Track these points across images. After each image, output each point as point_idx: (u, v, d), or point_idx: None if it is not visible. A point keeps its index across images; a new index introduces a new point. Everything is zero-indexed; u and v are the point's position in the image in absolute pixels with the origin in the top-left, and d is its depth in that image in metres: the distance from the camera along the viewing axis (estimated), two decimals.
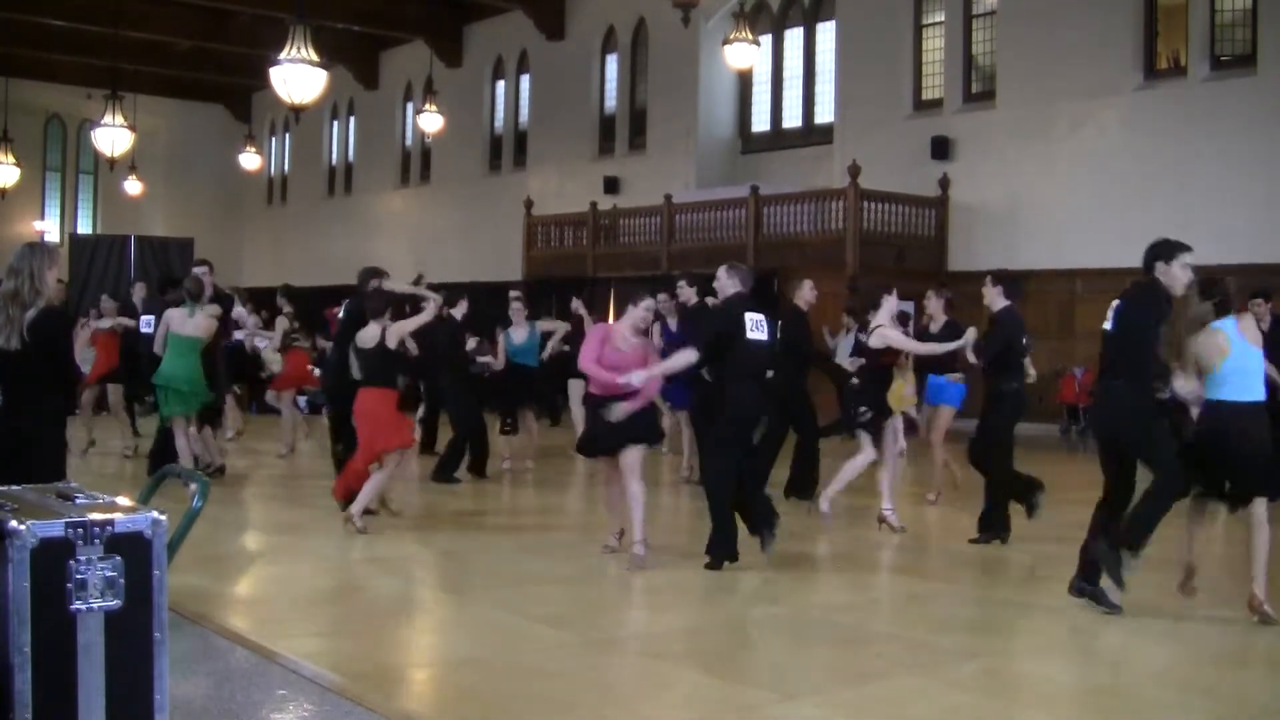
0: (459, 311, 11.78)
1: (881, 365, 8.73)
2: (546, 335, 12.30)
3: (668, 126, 23.87)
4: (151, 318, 11.60)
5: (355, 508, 8.42)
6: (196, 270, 11.00)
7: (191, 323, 10.09)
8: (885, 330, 8.67)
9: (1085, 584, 6.27)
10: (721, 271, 7.74)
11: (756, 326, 7.43)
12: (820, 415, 10.66)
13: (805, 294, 10.17)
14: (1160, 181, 17.02)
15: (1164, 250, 6.29)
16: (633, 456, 7.40)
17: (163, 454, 10.39)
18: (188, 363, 10.04)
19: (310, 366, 13.52)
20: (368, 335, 8.52)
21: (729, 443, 7.47)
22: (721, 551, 7.37)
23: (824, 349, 11.12)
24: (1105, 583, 6.19)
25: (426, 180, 30.10)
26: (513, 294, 12.46)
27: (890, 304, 8.84)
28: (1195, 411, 6.51)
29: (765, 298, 19.61)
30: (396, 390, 8.66)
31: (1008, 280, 8.56)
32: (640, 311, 7.56)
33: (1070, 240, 17.80)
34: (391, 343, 8.49)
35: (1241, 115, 16.45)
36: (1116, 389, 6.36)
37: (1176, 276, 6.22)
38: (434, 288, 12.31)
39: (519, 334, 11.86)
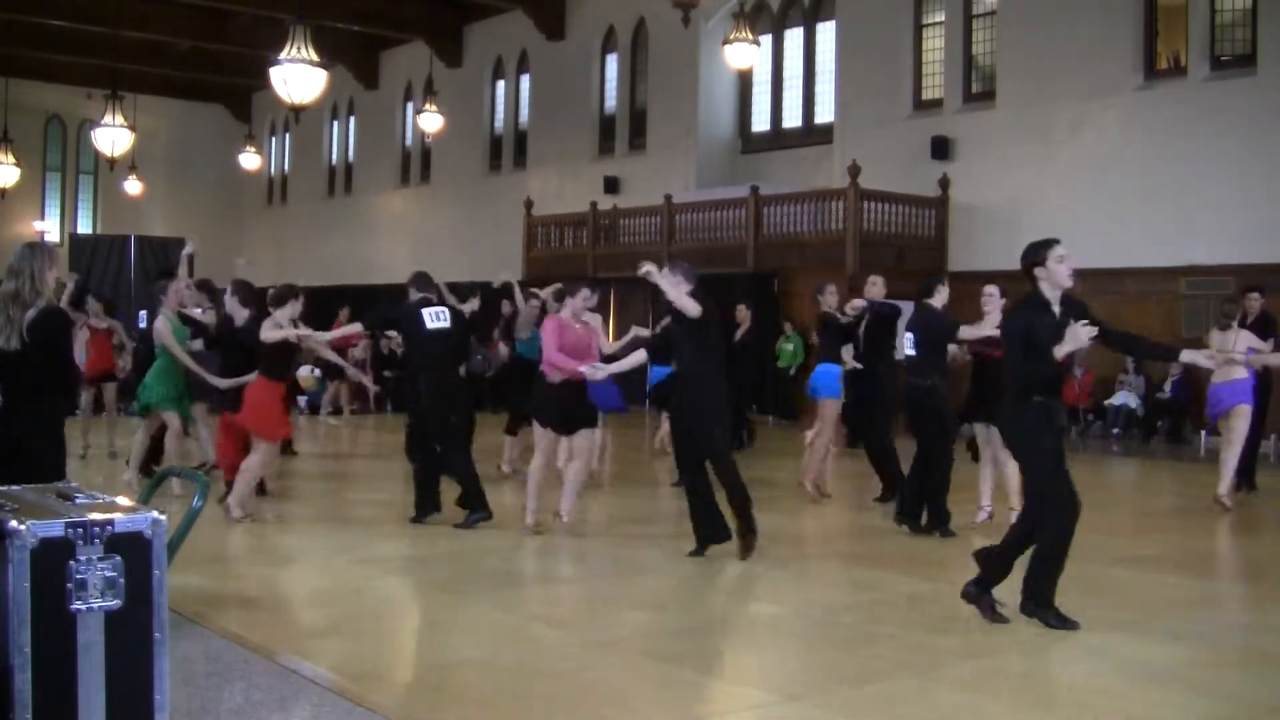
0: (468, 308, 11.73)
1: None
2: None
3: (668, 126, 23.86)
4: (144, 312, 11.50)
5: (234, 499, 8.84)
6: (228, 298, 10.81)
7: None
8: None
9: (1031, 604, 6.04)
10: (666, 270, 7.95)
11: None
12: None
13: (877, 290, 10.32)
14: (1160, 181, 17.01)
15: (1035, 253, 6.05)
16: (584, 441, 8.40)
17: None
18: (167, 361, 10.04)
19: (308, 367, 13.49)
20: (268, 328, 8.88)
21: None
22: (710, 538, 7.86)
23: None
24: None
25: (426, 180, 30.10)
26: (531, 290, 12.46)
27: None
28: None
29: (765, 297, 19.72)
30: (285, 383, 9.24)
31: (926, 279, 9.01)
32: (579, 301, 8.44)
33: (1070, 240, 17.46)
34: (272, 339, 8.83)
35: (1241, 115, 16.44)
36: (1006, 406, 6.15)
37: (1056, 272, 5.99)
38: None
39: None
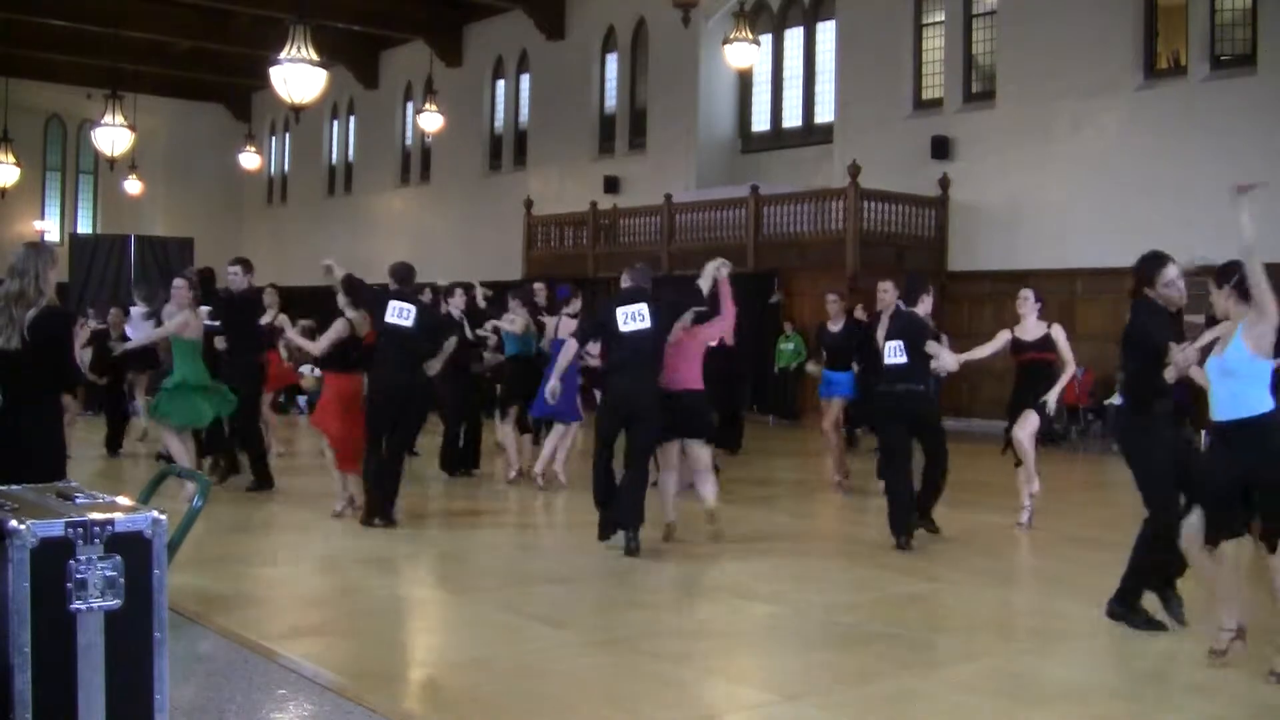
0: (457, 304, 11.75)
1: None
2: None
3: (668, 126, 23.86)
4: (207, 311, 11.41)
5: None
6: (230, 269, 10.83)
7: (189, 327, 9.70)
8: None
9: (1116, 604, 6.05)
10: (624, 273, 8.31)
11: (632, 318, 7.87)
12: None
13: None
14: (1160, 181, 17.01)
15: (1144, 273, 5.85)
16: (697, 451, 8.09)
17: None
18: (189, 367, 9.67)
19: (309, 366, 13.47)
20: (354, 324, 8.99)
21: (600, 431, 8.04)
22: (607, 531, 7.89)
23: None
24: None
25: (426, 180, 30.10)
26: (538, 286, 12.49)
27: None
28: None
29: (765, 297, 19.72)
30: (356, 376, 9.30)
31: (909, 282, 8.97)
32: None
33: (1070, 240, 17.80)
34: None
35: (1241, 115, 16.44)
36: (1124, 413, 6.19)
37: (1166, 296, 5.82)
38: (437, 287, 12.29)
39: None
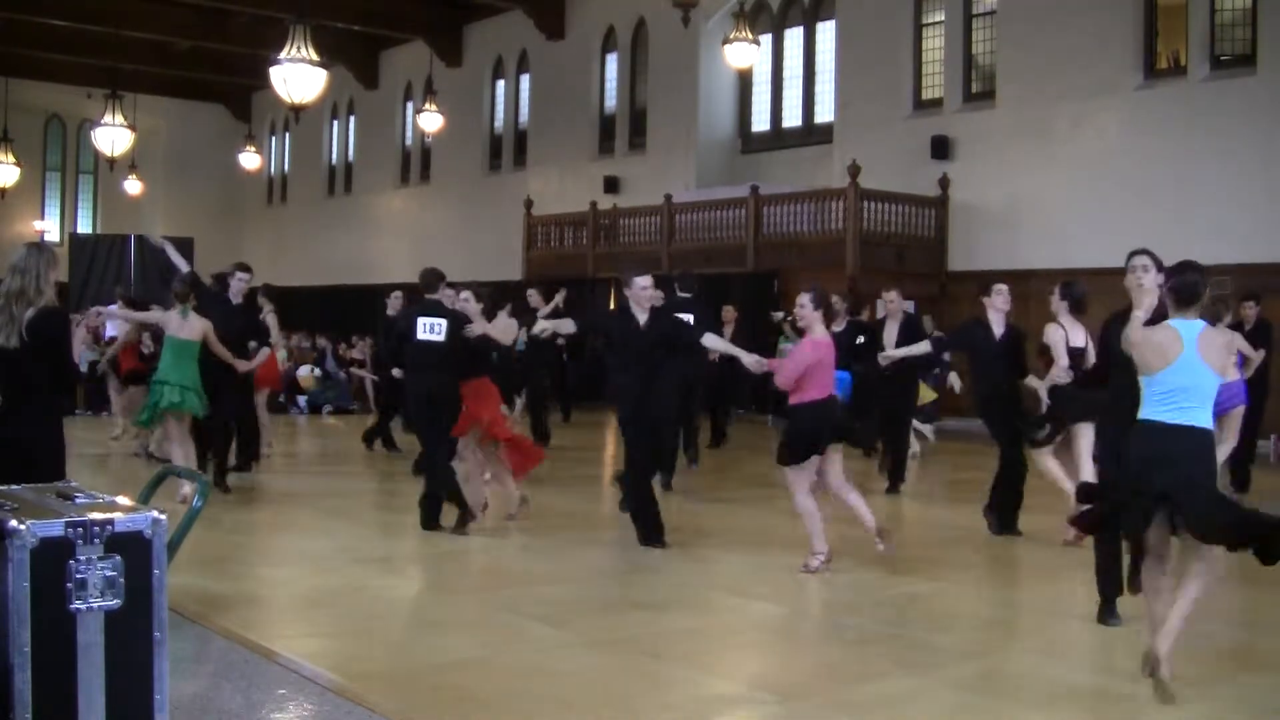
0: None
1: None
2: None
3: (668, 126, 23.86)
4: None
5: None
6: (240, 275, 10.79)
7: (186, 326, 9.65)
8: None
9: None
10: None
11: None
12: None
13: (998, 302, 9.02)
14: (1160, 181, 17.01)
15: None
16: (832, 467, 7.58)
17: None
18: (183, 368, 9.61)
19: (309, 366, 13.49)
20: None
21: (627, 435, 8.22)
22: (652, 536, 8.06)
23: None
24: None
25: (426, 180, 30.10)
26: (531, 292, 12.48)
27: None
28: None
29: (765, 297, 19.71)
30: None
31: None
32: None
33: (1070, 240, 17.78)
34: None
35: (1241, 115, 16.44)
36: None
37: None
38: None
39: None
